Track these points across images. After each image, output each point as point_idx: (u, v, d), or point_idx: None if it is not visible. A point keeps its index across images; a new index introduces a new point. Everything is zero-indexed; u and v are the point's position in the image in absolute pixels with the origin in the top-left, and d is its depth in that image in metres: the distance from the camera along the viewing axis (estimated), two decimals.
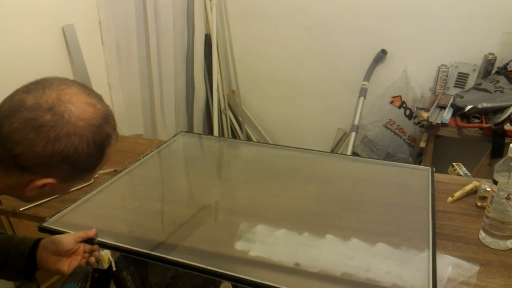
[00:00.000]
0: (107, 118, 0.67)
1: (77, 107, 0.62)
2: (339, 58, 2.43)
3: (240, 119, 2.70)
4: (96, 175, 1.23)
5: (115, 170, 1.25)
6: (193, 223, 1.02)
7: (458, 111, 1.86)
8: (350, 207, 1.08)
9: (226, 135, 2.71)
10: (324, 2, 2.33)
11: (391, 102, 2.27)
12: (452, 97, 1.97)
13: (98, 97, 0.67)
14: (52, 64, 1.66)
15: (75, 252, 0.86)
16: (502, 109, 1.75)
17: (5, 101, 0.62)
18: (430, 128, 1.85)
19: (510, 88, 1.82)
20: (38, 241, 0.86)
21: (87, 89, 0.67)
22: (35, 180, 0.64)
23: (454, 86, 2.13)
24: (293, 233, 0.95)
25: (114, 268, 0.94)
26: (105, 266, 0.90)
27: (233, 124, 2.73)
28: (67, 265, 0.83)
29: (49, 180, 0.64)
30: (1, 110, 0.61)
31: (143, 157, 1.32)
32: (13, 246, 0.84)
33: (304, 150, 1.39)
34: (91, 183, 1.19)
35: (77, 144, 0.62)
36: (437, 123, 1.82)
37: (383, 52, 2.29)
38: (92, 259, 0.86)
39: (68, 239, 0.85)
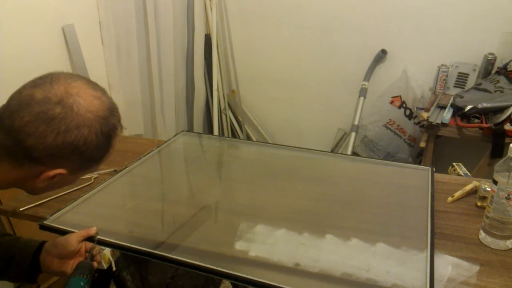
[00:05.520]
0: (113, 110, 0.69)
1: (84, 100, 0.65)
2: (339, 58, 2.43)
3: (240, 119, 2.70)
4: (96, 175, 1.23)
5: (115, 170, 1.25)
6: (193, 222, 1.02)
7: (458, 111, 1.86)
8: (350, 207, 1.08)
9: (226, 135, 2.71)
10: (324, 2, 2.33)
11: (391, 102, 2.27)
12: (452, 97, 1.97)
13: (103, 90, 0.70)
14: (52, 64, 1.66)
15: (78, 253, 0.86)
16: (502, 109, 1.75)
17: (13, 96, 0.64)
18: (430, 128, 1.85)
19: (510, 88, 1.82)
20: (42, 244, 0.86)
21: (92, 82, 0.69)
22: (46, 171, 0.66)
23: (454, 86, 2.13)
24: (293, 233, 0.95)
25: (114, 268, 0.94)
26: (105, 266, 0.90)
27: (233, 124, 2.73)
28: (70, 267, 0.83)
29: (59, 171, 0.66)
30: (10, 105, 0.63)
31: (143, 156, 1.32)
32: (18, 249, 0.84)
33: (304, 150, 1.39)
34: (91, 183, 1.19)
35: (87, 135, 0.65)
36: (437, 123, 1.82)
37: (383, 52, 2.29)
38: (95, 264, 0.86)
39: (70, 240, 0.85)
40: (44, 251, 0.85)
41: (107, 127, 0.68)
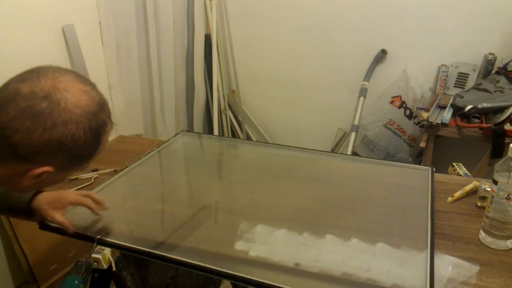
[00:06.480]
0: (103, 106, 0.67)
1: (72, 95, 0.63)
2: (339, 58, 2.43)
3: (240, 119, 2.70)
4: (96, 175, 1.23)
5: (115, 170, 1.25)
6: (193, 222, 1.02)
7: (458, 111, 1.86)
8: (350, 207, 1.08)
9: (226, 135, 2.71)
10: (324, 2, 2.33)
11: (391, 102, 2.27)
12: (452, 97, 1.97)
13: (93, 85, 0.68)
14: (52, 64, 1.66)
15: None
16: (502, 109, 1.75)
17: None
18: (430, 128, 1.85)
19: (510, 88, 1.82)
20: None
21: (81, 77, 0.67)
22: (32, 169, 0.64)
23: (454, 86, 2.13)
24: (293, 233, 0.95)
25: (114, 268, 0.94)
26: (105, 266, 0.90)
27: (233, 124, 2.73)
28: (58, 215, 0.91)
29: (46, 169, 0.64)
30: None
31: (143, 156, 1.32)
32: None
33: (304, 150, 1.39)
34: (91, 183, 1.19)
35: (74, 131, 0.62)
36: (437, 123, 1.82)
37: (383, 52, 2.29)
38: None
39: (67, 199, 0.93)
40: (39, 196, 0.91)
41: (96, 123, 0.65)
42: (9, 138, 0.60)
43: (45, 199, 0.92)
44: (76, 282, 0.77)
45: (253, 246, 0.90)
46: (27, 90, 0.60)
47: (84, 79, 0.67)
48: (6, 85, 0.62)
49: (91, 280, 0.90)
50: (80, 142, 0.64)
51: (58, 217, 0.90)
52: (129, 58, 2.03)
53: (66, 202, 0.94)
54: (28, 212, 0.90)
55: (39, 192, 0.92)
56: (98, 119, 0.66)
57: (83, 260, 0.84)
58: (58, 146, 0.62)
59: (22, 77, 0.63)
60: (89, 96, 0.65)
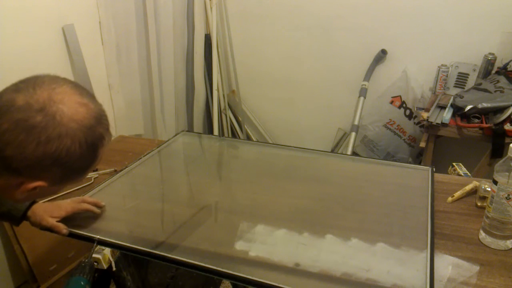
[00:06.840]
0: (100, 119, 0.65)
1: (69, 108, 0.61)
2: (339, 58, 2.43)
3: (240, 119, 2.70)
4: (96, 175, 1.23)
5: (115, 170, 1.25)
6: (193, 222, 1.02)
7: (458, 111, 1.86)
8: (350, 207, 1.08)
9: (226, 135, 2.71)
10: (324, 2, 2.33)
11: (391, 102, 2.27)
12: (452, 97, 1.97)
13: (91, 97, 0.66)
14: (52, 64, 1.66)
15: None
16: (502, 109, 1.75)
17: None
18: (430, 128, 1.85)
19: (510, 88, 1.82)
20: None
21: (79, 88, 0.65)
22: (25, 183, 0.63)
23: (454, 86, 2.13)
24: (293, 233, 0.95)
25: (114, 268, 0.94)
26: (105, 266, 0.90)
27: (233, 124, 2.73)
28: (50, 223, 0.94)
29: (39, 183, 0.63)
30: None
31: (143, 156, 1.32)
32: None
33: (304, 150, 1.39)
34: (91, 183, 1.19)
35: (69, 145, 0.61)
36: (437, 123, 1.82)
37: (383, 52, 2.29)
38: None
39: (64, 209, 0.96)
40: (36, 204, 0.94)
41: (93, 136, 0.64)
42: (1, 151, 0.58)
43: (42, 207, 0.94)
44: (82, 283, 0.77)
45: (253, 246, 0.90)
46: (22, 101, 0.58)
47: (82, 90, 0.65)
48: (0, 95, 0.60)
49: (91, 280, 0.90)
50: (76, 156, 0.62)
51: (52, 221, 0.92)
52: (129, 58, 2.03)
53: (63, 212, 0.95)
54: (21, 218, 0.92)
55: (35, 201, 0.94)
56: (95, 132, 0.64)
57: (86, 260, 0.84)
58: (52, 161, 0.60)
59: (18, 87, 0.60)
60: (86, 108, 0.63)
